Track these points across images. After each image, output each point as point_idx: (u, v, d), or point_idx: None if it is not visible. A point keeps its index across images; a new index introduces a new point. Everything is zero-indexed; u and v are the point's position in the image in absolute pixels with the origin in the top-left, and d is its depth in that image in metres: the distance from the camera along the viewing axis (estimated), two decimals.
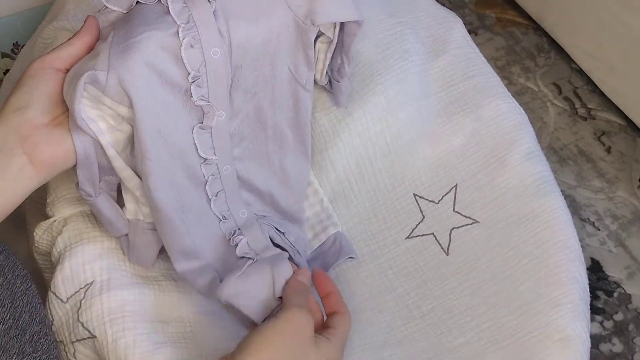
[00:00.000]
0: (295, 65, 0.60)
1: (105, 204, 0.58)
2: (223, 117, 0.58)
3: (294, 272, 0.58)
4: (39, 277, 0.67)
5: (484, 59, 0.72)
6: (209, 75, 0.56)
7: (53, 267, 0.61)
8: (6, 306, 0.54)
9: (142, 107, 0.53)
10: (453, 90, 0.69)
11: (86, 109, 0.53)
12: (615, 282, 0.82)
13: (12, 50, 0.89)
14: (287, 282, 0.57)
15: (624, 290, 0.82)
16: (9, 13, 0.85)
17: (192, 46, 0.55)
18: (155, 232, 0.58)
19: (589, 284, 0.61)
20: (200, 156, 0.58)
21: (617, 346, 0.78)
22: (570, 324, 0.57)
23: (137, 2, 0.56)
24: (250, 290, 0.57)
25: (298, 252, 0.64)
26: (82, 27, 0.56)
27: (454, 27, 0.73)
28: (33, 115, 0.53)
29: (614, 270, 0.83)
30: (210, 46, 0.55)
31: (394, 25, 0.71)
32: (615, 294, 0.81)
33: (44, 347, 0.55)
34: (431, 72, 0.70)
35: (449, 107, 0.68)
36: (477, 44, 0.73)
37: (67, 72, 0.55)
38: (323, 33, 0.61)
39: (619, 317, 0.80)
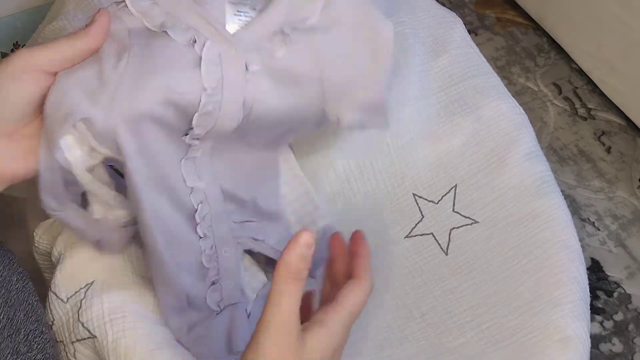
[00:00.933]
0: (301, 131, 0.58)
1: (72, 216, 0.51)
2: (208, 148, 0.54)
3: (292, 238, 0.46)
4: (39, 277, 0.67)
5: (484, 58, 0.72)
6: (213, 130, 0.52)
7: (53, 267, 0.61)
8: (0, 306, 0.54)
9: (134, 158, 0.48)
10: (453, 90, 0.69)
11: (66, 137, 0.47)
12: (615, 282, 0.82)
13: (12, 50, 0.89)
14: (281, 258, 0.45)
15: (624, 290, 0.82)
16: (9, 13, 0.85)
17: (209, 112, 0.50)
18: (127, 228, 0.54)
19: (589, 284, 0.61)
20: (187, 186, 0.54)
21: (617, 346, 0.78)
22: (571, 324, 0.57)
23: (165, 32, 0.49)
24: (207, 343, 0.56)
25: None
26: (90, 24, 0.47)
27: (454, 27, 0.73)
28: (0, 124, 0.46)
29: (614, 270, 0.83)
30: (226, 118, 0.51)
31: (394, 25, 0.70)
32: (615, 294, 0.81)
33: (39, 346, 0.55)
34: (431, 72, 0.70)
35: (448, 107, 0.68)
36: (477, 44, 0.73)
37: (54, 75, 0.46)
38: None
39: (619, 317, 0.80)
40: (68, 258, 0.60)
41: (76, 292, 0.59)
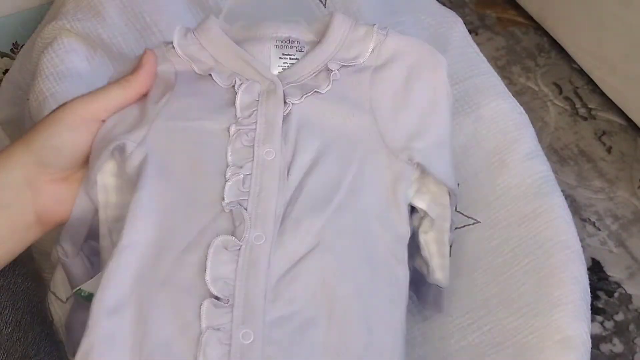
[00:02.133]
0: (382, 212, 0.48)
1: (78, 268, 0.50)
2: (263, 241, 0.44)
3: None
4: (39, 277, 0.67)
5: (484, 58, 0.72)
6: (254, 178, 0.46)
7: (53, 267, 0.61)
8: (8, 308, 0.54)
9: (151, 187, 0.46)
10: (453, 90, 0.69)
11: (105, 177, 0.47)
12: (615, 283, 0.82)
13: (11, 50, 0.89)
14: None
15: (625, 290, 0.82)
16: (8, 13, 0.85)
17: (241, 141, 0.47)
18: None
19: (590, 284, 0.61)
20: (206, 287, 0.42)
21: (617, 346, 0.78)
22: (571, 324, 0.57)
23: (210, 75, 0.49)
24: None
25: None
26: (138, 68, 0.49)
27: (455, 26, 0.73)
28: (54, 172, 0.47)
29: (614, 271, 0.83)
30: (263, 146, 0.47)
31: (394, 24, 0.71)
32: (615, 294, 0.81)
33: (46, 349, 0.55)
34: None
35: None
36: (478, 44, 0.73)
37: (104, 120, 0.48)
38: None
39: (619, 317, 0.80)
40: None
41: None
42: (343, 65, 0.51)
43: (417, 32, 0.71)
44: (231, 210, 0.45)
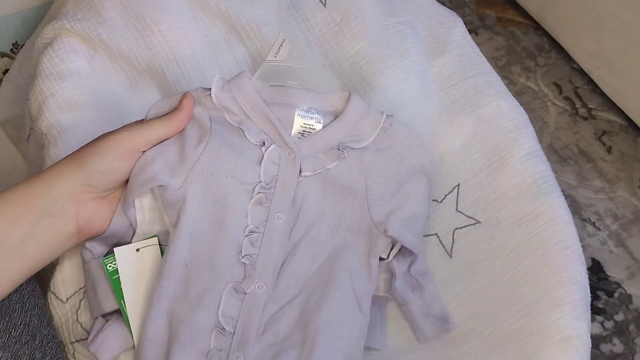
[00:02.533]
0: (355, 272, 0.58)
1: (97, 270, 0.57)
2: (263, 290, 0.56)
3: None
4: (38, 276, 0.67)
5: (484, 58, 0.72)
6: (265, 237, 0.57)
7: (53, 267, 0.61)
8: (17, 310, 0.54)
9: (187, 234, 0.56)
10: (453, 90, 0.69)
11: (142, 199, 0.57)
12: (615, 283, 0.82)
13: (11, 50, 0.89)
14: None
15: (625, 290, 0.82)
16: (8, 13, 0.85)
17: (260, 204, 0.57)
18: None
19: (590, 284, 0.61)
20: (218, 319, 0.55)
21: (617, 346, 0.78)
22: (571, 324, 0.57)
23: (241, 129, 0.59)
24: None
25: None
26: (178, 109, 0.57)
27: (455, 26, 0.73)
28: (97, 191, 0.55)
29: (614, 271, 0.83)
30: (277, 210, 0.57)
31: (395, 24, 0.71)
32: (615, 294, 0.81)
33: (52, 352, 0.55)
34: (432, 71, 0.70)
35: (449, 107, 0.68)
36: (478, 44, 0.73)
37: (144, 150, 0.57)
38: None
39: (619, 317, 0.80)
40: (67, 259, 0.60)
41: (75, 293, 0.59)
42: (349, 147, 0.60)
43: (418, 32, 0.71)
44: (244, 264, 0.56)
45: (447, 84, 0.69)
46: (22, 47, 0.80)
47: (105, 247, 0.57)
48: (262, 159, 0.58)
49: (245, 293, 0.55)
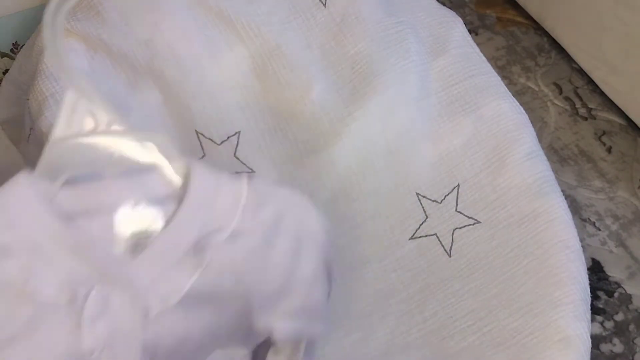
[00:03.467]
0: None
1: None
2: None
3: None
4: None
5: (484, 58, 0.72)
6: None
7: None
8: None
9: None
10: (454, 90, 0.69)
11: None
12: (615, 283, 0.82)
13: (11, 50, 0.89)
14: None
15: (625, 290, 0.82)
16: (8, 13, 0.85)
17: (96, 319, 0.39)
18: None
19: (590, 284, 0.61)
20: None
21: (617, 346, 0.78)
22: (571, 324, 0.57)
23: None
24: None
25: None
26: None
27: (455, 26, 0.73)
28: None
29: (614, 271, 0.83)
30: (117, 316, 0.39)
31: (394, 24, 0.71)
32: (615, 294, 0.81)
33: None
34: (432, 71, 0.70)
35: (449, 107, 0.68)
36: (478, 44, 0.73)
37: None
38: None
39: (619, 317, 0.80)
40: None
41: None
42: (210, 244, 0.41)
43: (417, 32, 0.71)
44: None
45: (447, 84, 0.69)
46: (22, 47, 0.80)
47: None
48: (80, 322, 0.38)
49: None
